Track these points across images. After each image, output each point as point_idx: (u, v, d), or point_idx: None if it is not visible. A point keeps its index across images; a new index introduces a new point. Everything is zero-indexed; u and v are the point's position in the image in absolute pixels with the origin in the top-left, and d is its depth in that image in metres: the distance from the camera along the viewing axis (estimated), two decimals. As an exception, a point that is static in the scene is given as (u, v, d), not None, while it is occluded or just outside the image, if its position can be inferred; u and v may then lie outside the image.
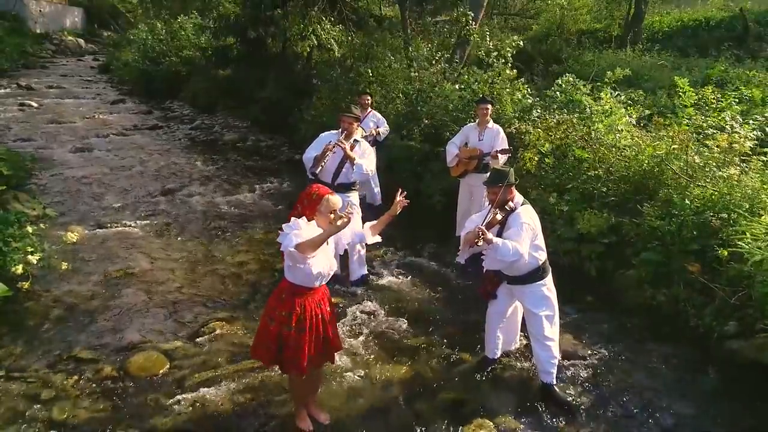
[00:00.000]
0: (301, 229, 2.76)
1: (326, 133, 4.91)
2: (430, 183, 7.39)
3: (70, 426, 3.23)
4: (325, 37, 8.32)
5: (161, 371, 3.77)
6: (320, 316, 3.02)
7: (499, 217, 3.47)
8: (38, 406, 3.37)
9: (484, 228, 3.21)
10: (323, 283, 3.06)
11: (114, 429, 3.22)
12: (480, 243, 3.17)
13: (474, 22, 9.86)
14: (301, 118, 10.56)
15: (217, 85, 13.51)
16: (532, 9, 19.20)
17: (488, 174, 5.72)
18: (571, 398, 3.67)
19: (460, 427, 3.36)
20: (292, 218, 2.87)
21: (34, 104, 14.25)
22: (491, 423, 3.40)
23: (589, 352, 4.27)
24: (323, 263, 2.93)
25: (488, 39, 8.26)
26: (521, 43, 7.77)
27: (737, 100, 8.39)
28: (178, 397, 3.50)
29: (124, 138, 11.20)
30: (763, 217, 3.97)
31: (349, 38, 8.90)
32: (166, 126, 12.43)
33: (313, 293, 3.01)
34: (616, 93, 6.99)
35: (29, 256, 4.40)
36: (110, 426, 3.25)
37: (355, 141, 4.95)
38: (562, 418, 3.50)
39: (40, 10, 29.45)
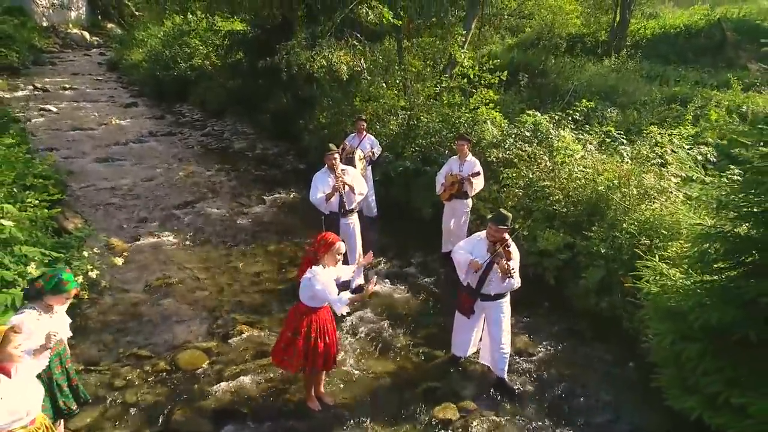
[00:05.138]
0: (323, 279, 3.78)
1: (318, 173, 5.82)
2: (419, 196, 8.45)
3: (141, 407, 4.34)
4: (335, 62, 9.28)
5: (203, 365, 4.88)
6: (326, 330, 4.08)
7: (511, 249, 4.42)
8: (114, 392, 4.48)
9: (513, 266, 4.28)
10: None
11: (172, 410, 4.33)
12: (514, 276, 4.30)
13: (469, 28, 10.77)
14: (305, 128, 11.56)
15: (225, 92, 14.42)
16: (526, 9, 19.85)
17: (468, 200, 6.81)
18: (518, 387, 4.77)
19: (432, 409, 4.47)
20: (313, 267, 3.88)
21: (54, 109, 15.20)
22: (455, 405, 4.51)
23: (539, 349, 5.37)
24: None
25: (468, 62, 9.19)
26: (504, 78, 8.69)
27: (695, 120, 9.45)
28: (218, 385, 4.61)
29: (142, 146, 12.19)
30: (673, 244, 5.02)
31: (354, 63, 9.86)
32: (179, 132, 13.40)
33: (321, 311, 4.06)
34: (580, 122, 7.99)
35: (89, 273, 5.45)
36: (169, 407, 4.36)
37: (342, 171, 5.93)
38: (509, 402, 4.60)
39: (47, 3, 29.91)
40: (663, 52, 16.19)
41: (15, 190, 5.90)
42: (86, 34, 31.44)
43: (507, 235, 4.42)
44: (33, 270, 4.89)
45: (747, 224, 3.15)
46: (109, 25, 34.18)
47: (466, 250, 4.57)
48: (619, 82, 12.18)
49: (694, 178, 5.41)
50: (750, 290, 3.06)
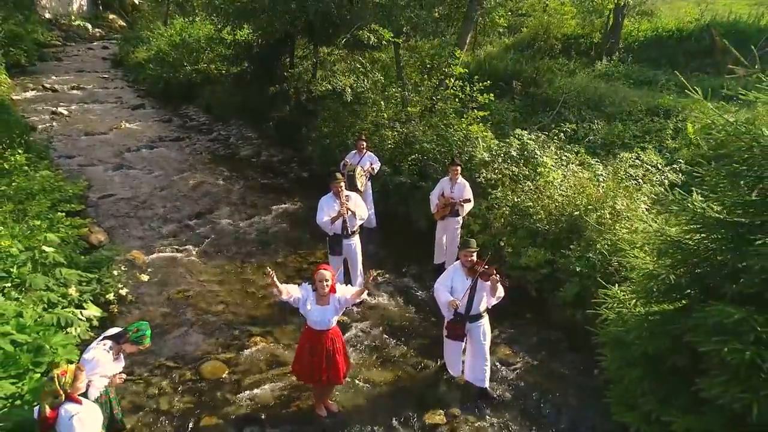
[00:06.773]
0: (290, 290, 4.65)
1: (324, 197, 6.45)
2: (415, 208, 9.11)
3: (173, 413, 5.07)
4: (341, 85, 9.89)
5: (224, 375, 5.59)
6: (330, 350, 4.75)
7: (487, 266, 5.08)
8: (149, 399, 5.20)
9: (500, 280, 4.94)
10: (327, 327, 4.74)
11: (200, 415, 5.06)
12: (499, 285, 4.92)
13: (464, 43, 11.33)
14: (308, 136, 12.16)
15: (230, 98, 14.95)
16: (523, 9, 20.22)
17: (459, 217, 7.43)
18: (498, 394, 5.48)
19: (422, 415, 5.19)
20: (304, 284, 4.64)
21: (65, 112, 15.74)
22: (442, 411, 5.24)
23: (518, 359, 6.08)
24: (318, 316, 4.64)
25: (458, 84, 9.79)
26: (493, 99, 9.30)
27: (675, 133, 10.02)
28: (238, 394, 5.33)
29: (152, 152, 12.81)
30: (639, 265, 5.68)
31: (358, 84, 10.45)
32: (187, 137, 13.98)
33: (322, 333, 4.72)
34: (565, 140, 8.61)
35: (120, 291, 6.14)
36: (197, 413, 5.08)
37: (347, 197, 6.57)
38: (490, 409, 5.32)
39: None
40: (654, 55, 16.62)
41: (50, 215, 6.54)
42: (89, 26, 31.68)
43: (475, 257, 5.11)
44: (73, 292, 5.59)
45: (678, 271, 3.81)
46: (111, 17, 34.45)
47: (446, 285, 5.16)
48: (608, 92, 12.69)
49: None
50: (680, 326, 3.73)
